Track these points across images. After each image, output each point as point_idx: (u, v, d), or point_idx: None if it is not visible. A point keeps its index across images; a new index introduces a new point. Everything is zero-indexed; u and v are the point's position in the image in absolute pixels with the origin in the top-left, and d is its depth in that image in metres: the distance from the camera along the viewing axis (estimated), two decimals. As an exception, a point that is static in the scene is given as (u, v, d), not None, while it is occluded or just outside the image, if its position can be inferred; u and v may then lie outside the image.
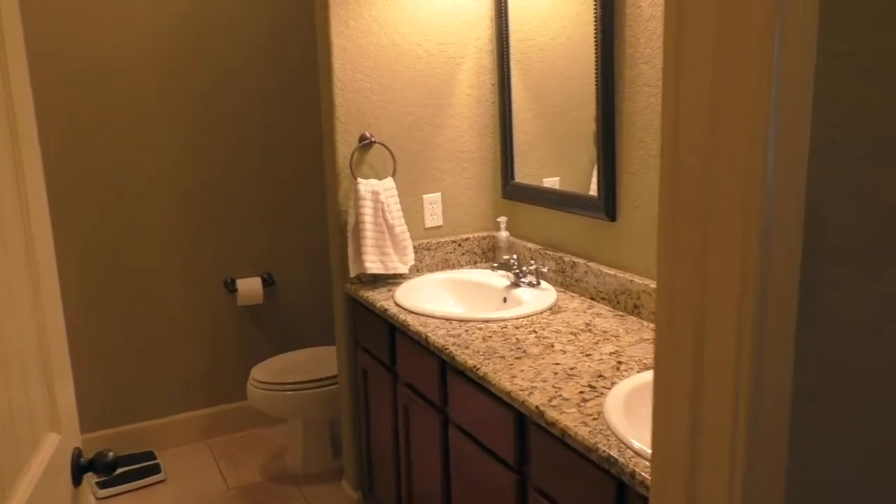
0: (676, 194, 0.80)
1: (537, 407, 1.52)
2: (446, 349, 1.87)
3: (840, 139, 0.76)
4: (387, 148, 2.49)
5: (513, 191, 2.60)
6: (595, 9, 2.09)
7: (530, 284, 2.32)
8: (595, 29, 2.10)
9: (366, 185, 2.40)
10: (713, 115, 0.74)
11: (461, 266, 2.65)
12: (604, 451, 1.33)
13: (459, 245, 2.66)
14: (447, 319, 2.09)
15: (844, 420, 0.85)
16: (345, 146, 2.46)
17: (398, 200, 2.46)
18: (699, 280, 0.79)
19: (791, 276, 0.75)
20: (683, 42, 0.77)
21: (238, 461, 3.20)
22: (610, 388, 1.57)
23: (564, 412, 1.49)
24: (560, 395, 1.57)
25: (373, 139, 2.47)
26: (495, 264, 2.45)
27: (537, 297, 2.20)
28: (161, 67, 3.08)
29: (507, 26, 2.52)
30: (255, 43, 3.22)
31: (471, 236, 2.67)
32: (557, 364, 1.73)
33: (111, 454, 1.23)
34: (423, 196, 2.60)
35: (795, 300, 0.76)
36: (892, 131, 0.80)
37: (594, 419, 1.45)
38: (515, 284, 2.34)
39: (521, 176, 2.58)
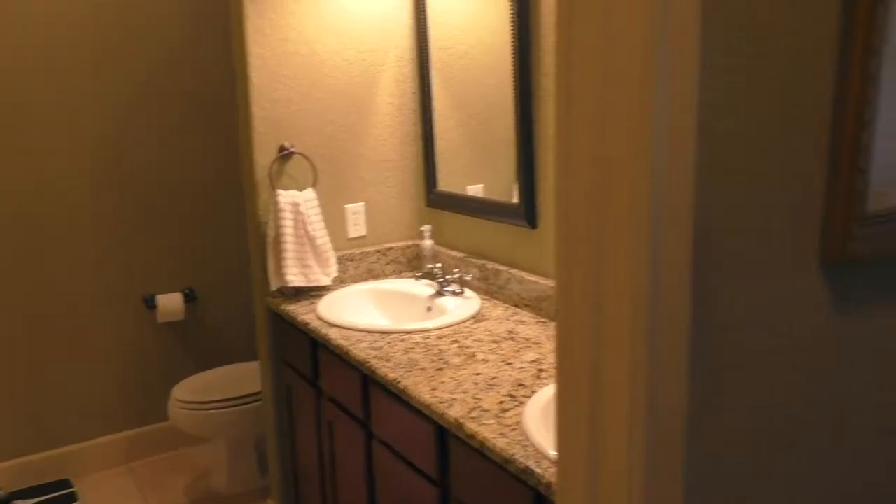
0: (570, 210, 0.79)
1: (456, 419, 1.50)
2: (367, 363, 1.83)
3: (726, 152, 0.77)
4: (307, 158, 2.45)
5: (436, 199, 2.59)
6: (512, 17, 2.09)
7: (454, 293, 2.31)
8: (512, 37, 2.11)
9: (285, 197, 2.35)
10: (601, 132, 0.74)
11: (386, 276, 2.62)
12: (521, 463, 1.32)
13: (384, 254, 2.63)
14: (370, 332, 2.06)
15: (742, 428, 0.85)
16: (263, 156, 2.40)
17: (319, 211, 2.42)
18: (594, 291, 0.78)
19: (682, 286, 0.75)
20: (573, 55, 0.76)
21: (161, 484, 3.08)
22: (530, 397, 1.57)
23: (483, 424, 1.47)
24: (480, 406, 1.55)
25: (292, 149, 2.43)
26: (419, 273, 2.43)
27: (461, 306, 2.19)
28: (72, 71, 2.96)
29: (426, 34, 2.51)
30: (171, 48, 3.13)
31: (395, 245, 2.64)
32: (478, 374, 1.72)
33: (1, 492, 1.15)
34: (346, 206, 2.56)
35: (688, 310, 0.76)
36: (775, 138, 0.81)
37: (513, 430, 1.44)
38: (439, 293, 2.32)
39: (445, 184, 2.57)
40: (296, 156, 2.44)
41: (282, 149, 2.41)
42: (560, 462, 0.88)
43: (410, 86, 2.62)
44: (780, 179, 0.82)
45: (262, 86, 2.36)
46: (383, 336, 2.02)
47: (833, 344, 0.92)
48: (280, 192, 2.35)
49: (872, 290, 0.93)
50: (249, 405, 2.82)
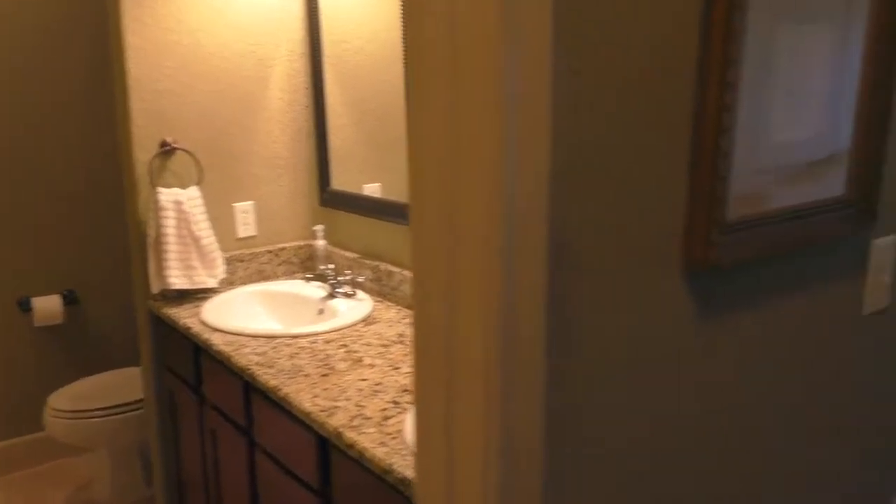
0: (423, 218, 0.75)
1: (336, 428, 1.45)
2: (248, 369, 1.75)
3: (582, 158, 0.74)
4: (191, 154, 2.33)
5: (330, 198, 2.52)
6: (403, 11, 2.05)
7: (346, 295, 2.25)
8: (404, 33, 2.06)
9: (167, 195, 2.23)
10: (452, 140, 0.70)
11: (278, 277, 2.54)
12: (399, 473, 1.28)
13: (276, 255, 2.54)
14: (255, 336, 1.97)
15: (604, 435, 0.84)
16: (143, 152, 2.27)
17: (204, 210, 2.30)
18: (449, 306, 0.74)
19: (537, 298, 0.72)
20: (423, 66, 0.72)
21: (38, 498, 2.89)
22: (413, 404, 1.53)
23: (364, 432, 1.42)
24: (362, 414, 1.50)
25: (175, 145, 2.30)
26: (310, 275, 2.36)
27: (353, 309, 2.13)
28: (-68, 62, 2.73)
29: (318, 28, 2.44)
30: (43, 34, 2.93)
31: (287, 246, 2.56)
32: (364, 380, 1.67)
33: None
34: (235, 205, 2.46)
35: (543, 321, 0.73)
36: (634, 145, 0.79)
37: (394, 438, 1.40)
38: (331, 295, 2.26)
39: (340, 183, 2.50)
40: (179, 152, 2.32)
41: (164, 144, 2.29)
42: (418, 466, 0.84)
43: (303, 81, 2.54)
44: (640, 187, 0.80)
45: (141, 77, 2.23)
46: (269, 341, 1.94)
47: (697, 351, 0.91)
48: (161, 189, 2.23)
49: (734, 296, 0.93)
50: (132, 413, 2.67)
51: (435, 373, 0.78)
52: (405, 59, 0.74)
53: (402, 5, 0.68)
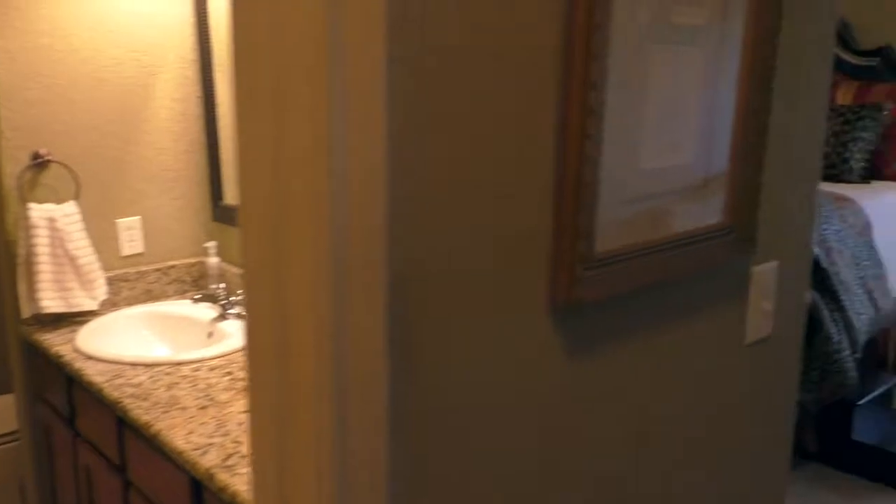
0: (251, 247, 0.67)
1: (208, 469, 1.34)
2: (119, 403, 1.62)
3: (427, 186, 0.67)
4: (67, 167, 2.17)
5: (223, 213, 2.39)
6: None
7: (238, 316, 2.13)
8: (294, 42, 1.96)
9: (39, 211, 2.06)
10: (275, 175, 0.62)
11: (168, 297, 2.39)
12: (270, 520, 1.18)
13: (165, 274, 2.39)
14: (133, 364, 1.83)
15: (448, 480, 0.77)
16: (12, 165, 2.10)
17: (82, 227, 2.14)
18: (281, 342, 0.66)
19: (375, 336, 0.64)
20: (246, 71, 0.64)
21: None
22: (296, 438, 1.43)
23: (238, 473, 1.32)
24: (239, 452, 1.40)
25: (49, 157, 2.14)
26: (197, 295, 2.23)
27: (243, 331, 2.01)
28: None
29: (208, 33, 2.31)
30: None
31: (178, 263, 2.42)
32: (246, 412, 1.56)
33: None
34: (118, 220, 2.30)
35: (385, 368, 0.66)
36: (490, 172, 0.72)
37: (269, 479, 1.30)
38: (223, 317, 2.13)
39: (234, 197, 2.37)
40: (54, 164, 2.15)
41: (36, 156, 2.12)
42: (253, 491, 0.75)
43: (195, 90, 2.40)
44: (498, 220, 0.74)
45: (9, 84, 2.06)
46: (148, 369, 1.80)
47: (566, 388, 0.86)
48: (32, 205, 2.06)
49: (606, 331, 0.88)
50: (8, 444, 2.48)
51: (267, 431, 0.70)
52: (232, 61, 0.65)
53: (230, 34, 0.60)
